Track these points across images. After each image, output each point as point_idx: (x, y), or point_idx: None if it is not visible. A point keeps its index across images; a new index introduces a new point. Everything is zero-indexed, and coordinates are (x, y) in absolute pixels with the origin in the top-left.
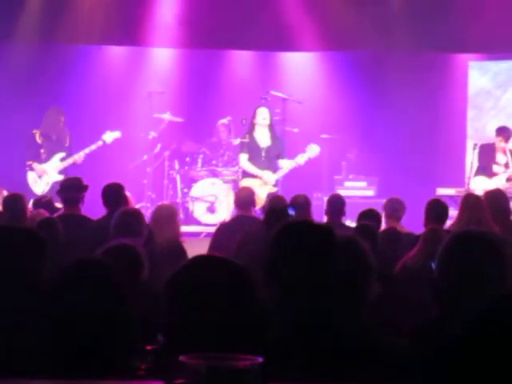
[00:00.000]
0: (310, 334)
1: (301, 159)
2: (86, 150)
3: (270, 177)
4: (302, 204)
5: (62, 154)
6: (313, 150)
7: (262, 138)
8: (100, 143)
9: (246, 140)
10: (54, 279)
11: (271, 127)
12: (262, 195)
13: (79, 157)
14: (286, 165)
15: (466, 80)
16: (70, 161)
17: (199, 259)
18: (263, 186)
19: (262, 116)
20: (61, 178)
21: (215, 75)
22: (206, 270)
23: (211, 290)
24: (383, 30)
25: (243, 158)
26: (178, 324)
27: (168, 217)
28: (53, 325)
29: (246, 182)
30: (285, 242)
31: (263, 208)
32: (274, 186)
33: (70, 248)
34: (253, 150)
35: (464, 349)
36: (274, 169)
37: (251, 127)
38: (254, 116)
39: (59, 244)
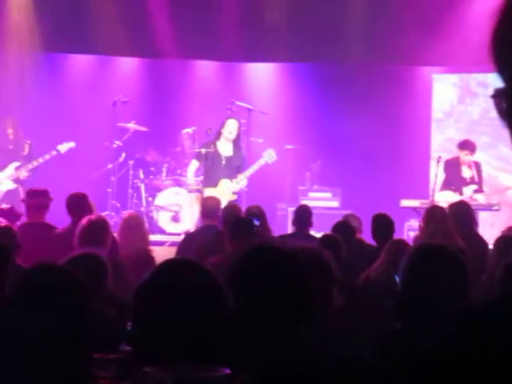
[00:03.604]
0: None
1: (257, 166)
2: (40, 160)
3: (228, 184)
4: (257, 214)
5: (17, 163)
6: (270, 156)
7: (225, 148)
8: (54, 153)
9: (204, 151)
10: (15, 284)
11: (235, 141)
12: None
13: (32, 165)
14: (243, 176)
15: (429, 92)
16: (23, 170)
17: (170, 263)
18: (223, 195)
19: (229, 130)
20: (14, 186)
21: (180, 85)
22: (176, 274)
23: (181, 294)
24: (349, 42)
25: (192, 164)
26: (145, 332)
27: (136, 226)
28: (10, 331)
29: (206, 192)
30: (252, 268)
31: (220, 218)
32: (234, 193)
33: (36, 257)
34: (214, 157)
35: (426, 363)
36: (234, 179)
37: (217, 136)
38: (222, 126)
39: (16, 251)
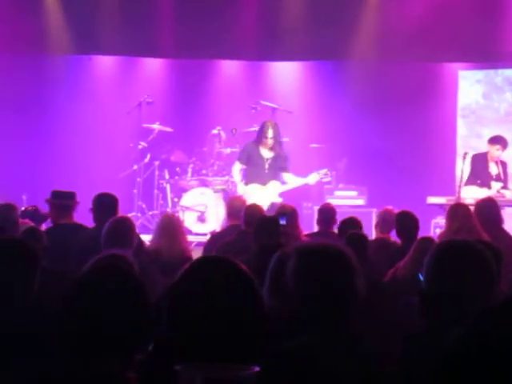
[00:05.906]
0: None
1: (301, 181)
2: None
3: (277, 186)
4: (290, 214)
5: None
6: (314, 178)
7: (266, 150)
8: None
9: (248, 153)
10: (73, 288)
11: (274, 146)
12: (264, 199)
13: None
14: (292, 180)
15: (455, 89)
16: None
17: (202, 261)
18: (265, 191)
19: (268, 142)
20: None
21: (204, 85)
22: (209, 272)
23: (215, 292)
24: (372, 40)
25: (236, 166)
26: (177, 331)
27: (179, 228)
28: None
29: (252, 188)
30: (308, 270)
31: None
32: (279, 196)
33: (61, 258)
34: (257, 159)
35: (453, 361)
36: (279, 181)
37: (258, 139)
38: (262, 131)
39: (43, 253)
